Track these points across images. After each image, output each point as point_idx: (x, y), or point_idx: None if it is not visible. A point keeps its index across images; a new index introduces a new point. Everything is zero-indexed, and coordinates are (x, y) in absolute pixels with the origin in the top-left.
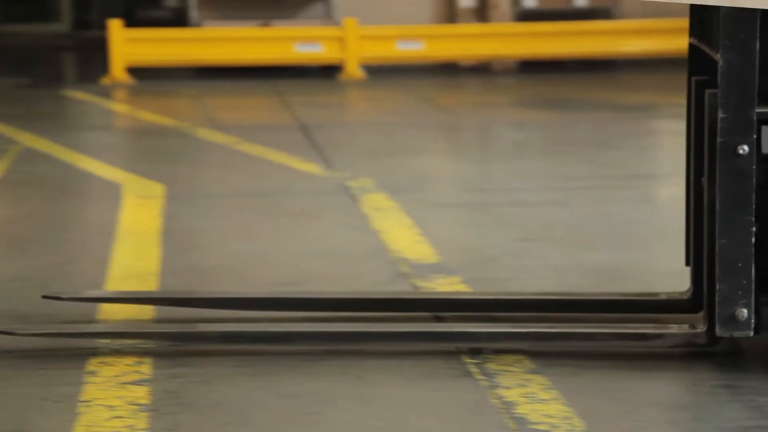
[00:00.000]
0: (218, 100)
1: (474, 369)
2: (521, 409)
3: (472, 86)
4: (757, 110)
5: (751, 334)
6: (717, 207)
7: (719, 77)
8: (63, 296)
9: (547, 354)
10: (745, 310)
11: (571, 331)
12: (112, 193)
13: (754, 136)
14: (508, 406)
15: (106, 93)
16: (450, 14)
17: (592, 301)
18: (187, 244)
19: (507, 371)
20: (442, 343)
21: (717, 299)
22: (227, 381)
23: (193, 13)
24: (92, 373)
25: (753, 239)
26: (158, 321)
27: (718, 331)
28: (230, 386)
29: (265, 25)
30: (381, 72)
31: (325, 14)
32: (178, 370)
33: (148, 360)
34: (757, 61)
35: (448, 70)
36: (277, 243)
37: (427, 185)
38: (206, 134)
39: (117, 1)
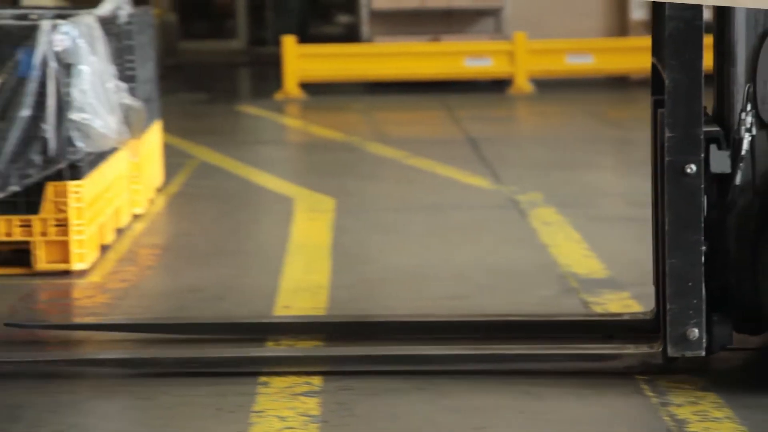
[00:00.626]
0: (388, 115)
1: (645, 386)
2: (693, 428)
3: (643, 100)
4: (705, 129)
5: (703, 353)
6: (666, 227)
7: (666, 96)
8: (26, 324)
9: (719, 371)
10: (696, 330)
11: (527, 352)
12: (284, 206)
13: (702, 155)
14: (680, 423)
15: (279, 108)
16: (621, 27)
17: (558, 322)
18: (356, 258)
19: (678, 388)
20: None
21: (668, 319)
22: (395, 394)
23: (365, 28)
24: (264, 384)
25: (703, 259)
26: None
27: (670, 351)
28: (398, 399)
29: (435, 40)
30: (550, 86)
31: (494, 29)
32: (348, 382)
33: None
34: (703, 81)
35: (618, 84)
36: (445, 257)
37: (595, 200)
38: (376, 148)
39: (291, 19)
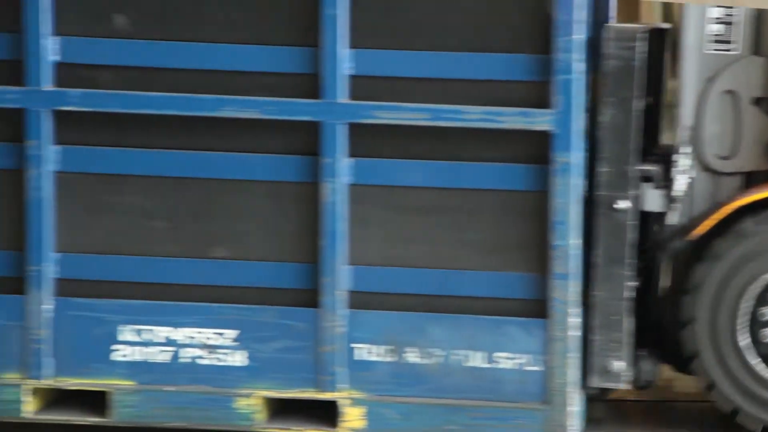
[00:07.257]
0: None
1: None
2: None
3: None
4: (642, 167)
5: (623, 386)
6: (595, 260)
7: (601, 133)
8: None
9: None
10: (618, 363)
11: None
12: None
13: (634, 192)
14: None
15: None
16: None
17: None
18: None
19: None
20: None
21: (592, 350)
22: None
23: None
24: None
25: (626, 293)
26: None
27: (594, 382)
28: None
29: None
30: None
31: None
32: None
33: None
34: (636, 120)
35: None
36: None
37: None
38: None
39: None
